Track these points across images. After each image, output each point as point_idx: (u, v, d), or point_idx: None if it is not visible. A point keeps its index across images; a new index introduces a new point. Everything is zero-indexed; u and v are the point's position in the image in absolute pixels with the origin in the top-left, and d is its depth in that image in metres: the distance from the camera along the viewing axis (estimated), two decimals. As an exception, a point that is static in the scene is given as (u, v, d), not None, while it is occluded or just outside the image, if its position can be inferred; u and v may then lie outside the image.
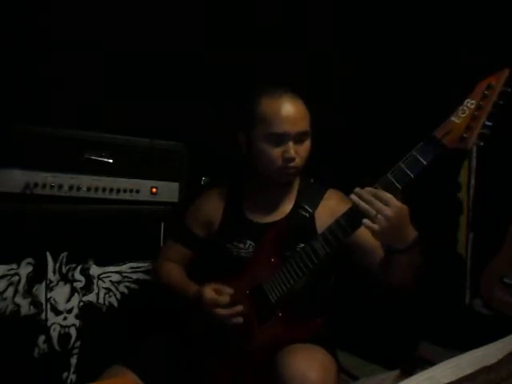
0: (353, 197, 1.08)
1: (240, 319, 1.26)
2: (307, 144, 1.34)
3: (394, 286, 1.24)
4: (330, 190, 1.43)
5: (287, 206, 1.41)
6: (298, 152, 1.31)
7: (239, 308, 1.27)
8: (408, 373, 1.53)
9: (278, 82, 1.36)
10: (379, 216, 1.04)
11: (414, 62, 2.01)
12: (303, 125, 1.32)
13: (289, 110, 1.30)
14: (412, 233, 1.11)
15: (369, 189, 1.07)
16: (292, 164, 1.31)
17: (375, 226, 1.05)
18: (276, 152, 1.30)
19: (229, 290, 1.28)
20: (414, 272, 1.19)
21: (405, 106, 2.01)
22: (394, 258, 1.16)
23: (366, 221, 1.06)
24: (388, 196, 1.05)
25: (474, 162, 1.80)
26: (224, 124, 1.70)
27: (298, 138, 1.31)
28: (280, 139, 1.30)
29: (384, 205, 1.05)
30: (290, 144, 1.29)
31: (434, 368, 0.87)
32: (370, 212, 1.05)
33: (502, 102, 1.00)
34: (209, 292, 1.28)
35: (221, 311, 1.26)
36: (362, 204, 1.06)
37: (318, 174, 1.48)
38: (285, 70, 1.91)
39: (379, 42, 2.19)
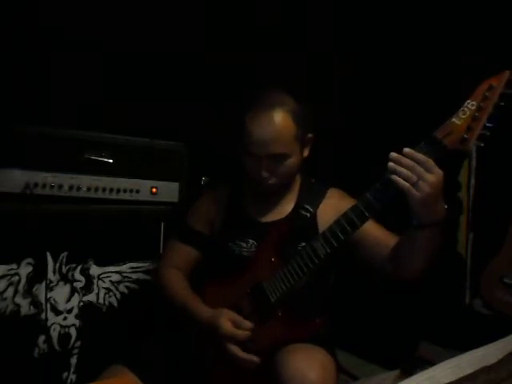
0: (390, 164, 1.03)
1: (253, 366, 1.23)
2: (288, 163, 1.30)
3: (403, 276, 1.22)
4: (331, 189, 1.43)
5: (288, 206, 1.41)
6: (275, 171, 1.29)
7: (257, 360, 1.22)
8: (408, 373, 1.53)
9: (278, 83, 1.33)
10: (421, 182, 1.00)
11: (413, 61, 2.01)
12: (277, 148, 1.26)
13: (262, 131, 1.25)
14: (443, 207, 1.07)
15: (407, 150, 1.02)
16: (268, 182, 1.30)
17: (416, 193, 1.01)
18: (252, 167, 1.31)
19: (249, 325, 1.24)
20: (430, 255, 1.16)
21: (405, 106, 2.01)
22: (419, 236, 1.11)
23: (406, 185, 1.01)
24: (431, 162, 1.01)
25: (473, 162, 1.80)
26: (224, 124, 1.70)
27: (273, 159, 1.28)
28: (253, 158, 1.29)
29: (426, 170, 1.00)
30: (263, 164, 1.28)
31: (434, 368, 0.87)
32: (411, 177, 1.00)
33: (502, 104, 1.00)
34: (227, 325, 1.23)
35: (240, 353, 1.22)
36: (402, 169, 1.01)
37: (317, 174, 1.48)
38: (285, 70, 1.91)
39: (379, 41, 2.19)
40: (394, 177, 1.02)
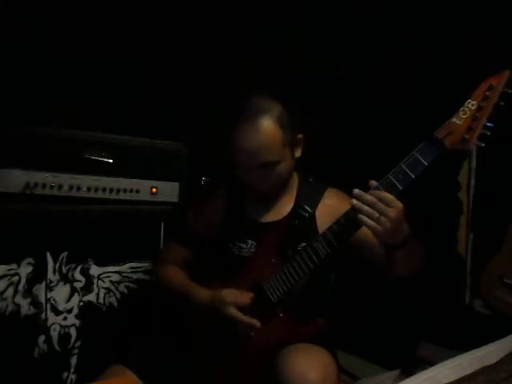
0: (354, 201, 1.07)
1: (252, 334, 1.25)
2: (279, 168, 1.29)
3: (402, 276, 1.24)
4: (329, 189, 1.43)
5: (287, 206, 1.40)
6: (267, 177, 1.29)
7: (258, 323, 1.24)
8: (408, 373, 1.53)
9: (263, 87, 1.31)
10: (382, 217, 1.04)
11: (414, 61, 2.01)
12: (266, 156, 1.24)
13: (249, 142, 1.23)
14: (406, 227, 1.11)
15: (371, 191, 1.07)
16: (262, 188, 1.32)
17: (378, 227, 1.05)
18: (244, 177, 1.31)
19: (247, 294, 1.27)
20: (417, 260, 1.20)
21: (405, 106, 2.01)
22: (393, 254, 1.15)
23: (368, 222, 1.05)
24: (390, 197, 1.05)
25: (474, 162, 1.80)
26: (224, 124, 1.69)
27: (264, 167, 1.27)
28: (243, 168, 1.29)
29: (386, 206, 1.04)
30: (254, 173, 1.28)
31: (434, 368, 0.87)
32: (373, 214, 1.05)
33: (502, 103, 1.01)
34: (229, 295, 1.26)
35: (242, 317, 1.24)
36: (364, 207, 1.06)
37: (318, 173, 1.48)
38: (285, 70, 1.91)
39: (379, 42, 2.20)
40: (359, 216, 1.06)
